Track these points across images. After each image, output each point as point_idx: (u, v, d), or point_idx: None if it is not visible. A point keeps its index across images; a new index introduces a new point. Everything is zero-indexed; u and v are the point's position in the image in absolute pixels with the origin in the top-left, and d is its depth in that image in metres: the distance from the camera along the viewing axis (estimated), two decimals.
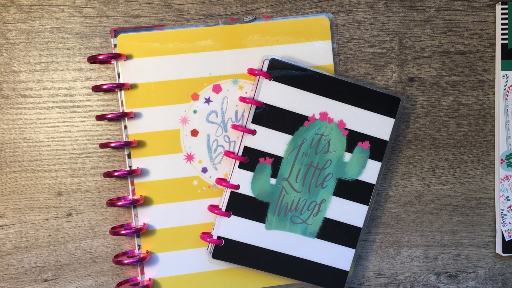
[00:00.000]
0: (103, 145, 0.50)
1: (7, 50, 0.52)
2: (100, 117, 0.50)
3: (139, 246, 0.52)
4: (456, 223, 0.57)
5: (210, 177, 0.52)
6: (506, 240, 0.56)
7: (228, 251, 0.51)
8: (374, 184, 0.53)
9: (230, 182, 0.51)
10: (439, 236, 0.56)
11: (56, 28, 0.52)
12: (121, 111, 0.52)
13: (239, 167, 0.51)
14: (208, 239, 0.51)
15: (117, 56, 0.50)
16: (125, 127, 0.52)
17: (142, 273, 0.52)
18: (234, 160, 0.51)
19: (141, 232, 0.51)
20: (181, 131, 0.52)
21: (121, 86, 0.50)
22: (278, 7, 0.54)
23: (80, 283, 0.53)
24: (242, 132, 0.51)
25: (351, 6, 0.54)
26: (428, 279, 0.56)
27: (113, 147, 0.51)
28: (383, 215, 0.56)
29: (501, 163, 0.56)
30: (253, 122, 0.51)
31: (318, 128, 0.52)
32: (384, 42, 0.55)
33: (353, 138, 0.52)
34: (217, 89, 0.52)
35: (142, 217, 0.52)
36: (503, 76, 0.56)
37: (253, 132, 0.51)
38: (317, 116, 0.52)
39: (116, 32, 0.51)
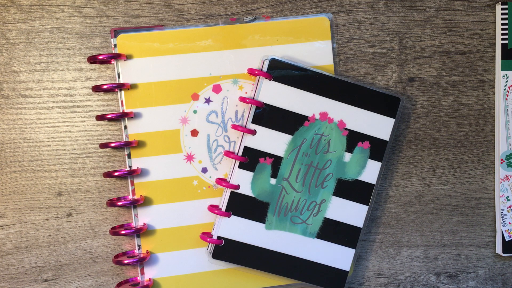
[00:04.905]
0: (103, 145, 0.50)
1: (7, 50, 0.52)
2: (100, 117, 0.50)
3: (139, 246, 0.52)
4: (456, 223, 0.57)
5: (210, 177, 0.52)
6: (506, 240, 0.56)
7: (228, 251, 0.51)
8: (374, 184, 0.53)
9: (230, 182, 0.51)
10: (439, 236, 0.56)
11: (56, 28, 0.52)
12: (121, 111, 0.52)
13: (239, 167, 0.51)
14: (208, 239, 0.51)
15: (117, 56, 0.50)
16: (125, 127, 0.52)
17: (142, 273, 0.52)
18: (234, 160, 0.51)
19: (141, 232, 0.51)
20: (181, 131, 0.52)
21: (121, 86, 0.50)
22: (278, 7, 0.54)
23: (80, 283, 0.53)
24: (242, 132, 0.51)
25: (351, 6, 0.54)
26: (428, 279, 0.56)
27: (113, 147, 0.51)
28: (383, 215, 0.56)
29: (501, 163, 0.56)
30: (253, 122, 0.51)
31: (318, 128, 0.52)
32: (384, 42, 0.55)
33: (353, 138, 0.52)
34: (217, 89, 0.52)
35: (142, 217, 0.52)
36: (503, 76, 0.56)
37: (253, 132, 0.51)
38: (317, 116, 0.52)
39: (116, 32, 0.51)
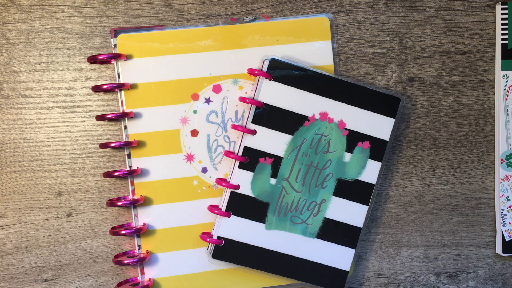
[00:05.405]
0: (103, 145, 0.50)
1: (7, 50, 0.52)
2: (100, 117, 0.50)
3: (139, 246, 0.52)
4: (456, 223, 0.57)
5: (210, 177, 0.52)
6: (506, 240, 0.56)
7: (228, 251, 0.51)
8: (374, 184, 0.53)
9: (230, 182, 0.51)
10: (439, 236, 0.56)
11: (56, 28, 0.52)
12: (121, 111, 0.52)
13: (239, 167, 0.51)
14: (208, 239, 0.51)
15: (117, 56, 0.50)
16: (125, 127, 0.52)
17: (142, 273, 0.52)
18: (234, 160, 0.51)
19: (141, 232, 0.51)
20: (181, 131, 0.52)
21: (121, 86, 0.50)
22: (278, 7, 0.54)
23: (80, 283, 0.53)
24: (242, 132, 0.51)
25: (351, 6, 0.54)
26: (428, 279, 0.56)
27: (113, 147, 0.51)
28: (383, 215, 0.56)
29: (501, 163, 0.56)
30: (253, 122, 0.51)
31: (318, 128, 0.52)
32: (384, 42, 0.55)
33: (353, 138, 0.52)
34: (217, 89, 0.52)
35: (142, 217, 0.52)
36: (503, 76, 0.56)
37: (253, 132, 0.51)
38: (317, 116, 0.52)
39: (116, 32, 0.51)
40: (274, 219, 0.52)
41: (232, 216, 0.51)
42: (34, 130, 0.52)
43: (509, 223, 0.56)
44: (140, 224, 0.52)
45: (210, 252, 0.51)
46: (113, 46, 0.51)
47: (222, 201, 0.52)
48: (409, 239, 0.56)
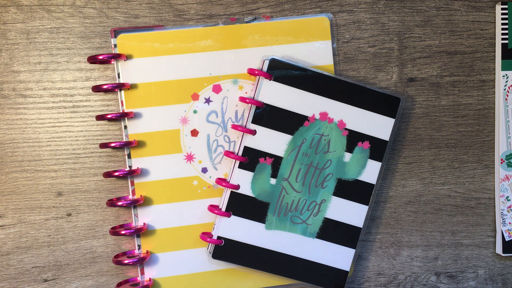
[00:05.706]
0: (103, 145, 0.50)
1: (7, 50, 0.52)
2: (100, 117, 0.50)
3: (139, 246, 0.52)
4: (456, 223, 0.57)
5: (210, 177, 0.52)
6: (506, 240, 0.56)
7: (228, 251, 0.51)
8: (374, 184, 0.53)
9: (230, 182, 0.51)
10: (439, 236, 0.56)
11: (56, 28, 0.52)
12: (121, 111, 0.52)
13: (239, 167, 0.51)
14: (208, 239, 0.51)
15: (117, 56, 0.50)
16: (125, 127, 0.52)
17: (142, 273, 0.52)
18: (234, 160, 0.51)
19: (141, 232, 0.51)
20: (181, 131, 0.52)
21: (121, 86, 0.50)
22: (278, 7, 0.54)
23: (80, 283, 0.53)
24: (242, 132, 0.51)
25: (351, 6, 0.54)
26: (428, 279, 0.56)
27: (113, 147, 0.51)
28: (383, 215, 0.56)
29: (501, 163, 0.56)
30: (253, 122, 0.51)
31: (318, 128, 0.52)
32: (384, 42, 0.55)
33: (353, 138, 0.52)
34: (217, 89, 0.52)
35: (142, 217, 0.52)
36: (503, 76, 0.56)
37: (253, 132, 0.51)
38: (317, 116, 0.52)
39: (116, 32, 0.51)
40: (274, 219, 0.52)
41: (232, 216, 0.51)
42: (34, 130, 0.52)
43: (509, 223, 0.56)
44: (140, 224, 0.52)
45: (210, 252, 0.51)
46: (113, 46, 0.51)
47: (222, 201, 0.52)
48: (409, 239, 0.56)
